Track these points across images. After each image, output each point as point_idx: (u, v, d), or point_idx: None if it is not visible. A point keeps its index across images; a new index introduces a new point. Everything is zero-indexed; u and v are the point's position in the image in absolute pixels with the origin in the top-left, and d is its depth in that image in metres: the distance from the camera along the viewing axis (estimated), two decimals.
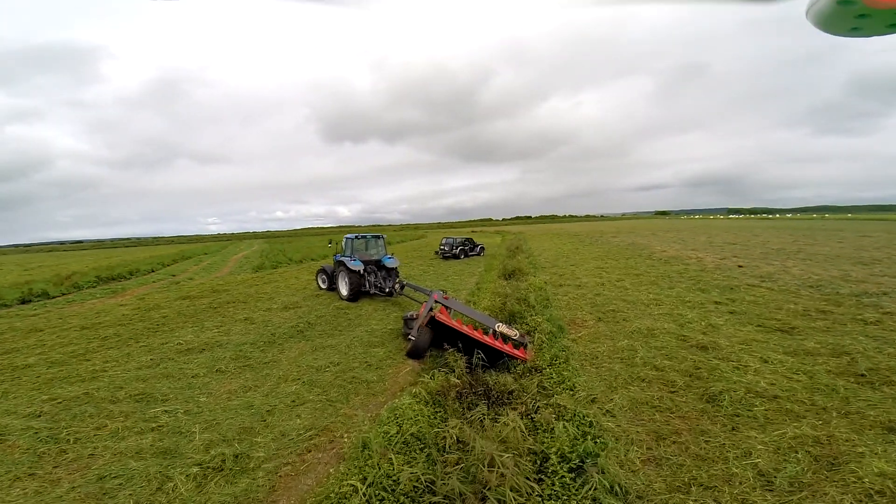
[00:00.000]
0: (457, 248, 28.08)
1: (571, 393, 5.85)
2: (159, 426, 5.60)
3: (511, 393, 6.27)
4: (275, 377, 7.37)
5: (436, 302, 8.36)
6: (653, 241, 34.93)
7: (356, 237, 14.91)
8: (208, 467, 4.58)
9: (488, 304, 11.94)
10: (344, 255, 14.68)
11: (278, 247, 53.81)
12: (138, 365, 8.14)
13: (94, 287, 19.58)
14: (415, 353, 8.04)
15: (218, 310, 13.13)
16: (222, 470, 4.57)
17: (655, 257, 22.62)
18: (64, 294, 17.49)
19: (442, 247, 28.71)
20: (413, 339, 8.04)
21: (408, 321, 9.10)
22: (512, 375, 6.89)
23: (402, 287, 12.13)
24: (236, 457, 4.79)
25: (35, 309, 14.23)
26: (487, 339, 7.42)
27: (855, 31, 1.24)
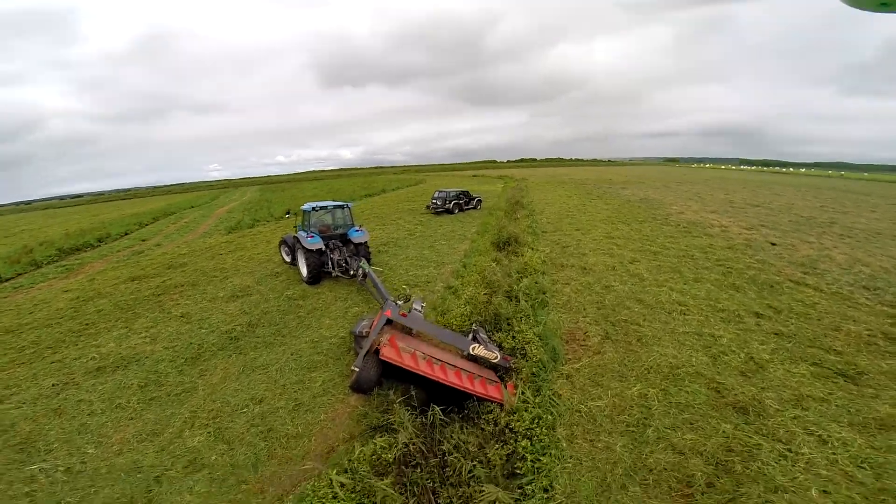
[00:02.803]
0: (450, 202, 25.57)
1: (545, 497, 4.08)
2: (32, 492, 4.72)
3: (472, 475, 4.53)
4: (180, 419, 6.00)
5: (387, 322, 6.36)
6: (667, 195, 31.65)
7: (315, 208, 12.50)
8: None
9: (470, 295, 9.97)
10: (302, 229, 12.50)
11: (269, 196, 51.68)
12: (38, 392, 6.82)
13: (54, 262, 17.92)
14: (359, 388, 6.25)
15: (160, 299, 11.43)
16: None
17: (672, 222, 19.82)
18: (19, 274, 15.86)
19: (434, 201, 26.17)
20: (357, 369, 6.17)
21: (358, 338, 7.20)
22: (477, 435, 5.15)
23: (365, 276, 10.08)
24: None
25: None
26: (453, 380, 5.69)
27: (884, 7, 1.40)
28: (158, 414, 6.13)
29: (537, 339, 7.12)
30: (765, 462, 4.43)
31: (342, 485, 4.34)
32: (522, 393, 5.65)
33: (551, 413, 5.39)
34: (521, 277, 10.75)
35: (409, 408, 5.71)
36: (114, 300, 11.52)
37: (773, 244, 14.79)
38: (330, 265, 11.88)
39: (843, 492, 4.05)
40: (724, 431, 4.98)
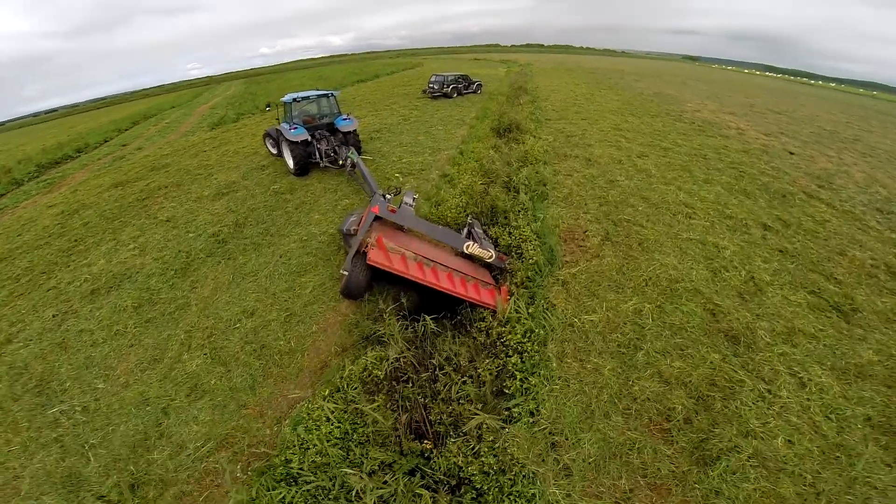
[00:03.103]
0: (448, 87, 22.99)
1: (531, 422, 4.00)
2: (60, 437, 4.83)
3: (461, 394, 4.43)
4: (177, 342, 5.95)
5: (375, 219, 5.80)
6: (683, 92, 27.60)
7: (296, 98, 11.26)
8: (109, 501, 3.99)
9: (466, 184, 9.23)
10: (285, 122, 11.39)
11: (254, 88, 47.64)
12: (41, 327, 6.67)
13: (35, 178, 17.08)
14: (349, 294, 6.00)
15: (145, 203, 10.95)
16: (123, 502, 3.96)
17: (687, 119, 17.52)
18: (3, 194, 15.19)
19: (430, 85, 23.54)
20: (346, 273, 5.85)
21: (346, 236, 6.76)
22: (469, 346, 5.03)
23: (353, 166, 9.31)
24: (133, 487, 4.12)
25: None
26: (445, 284, 5.34)
27: None
28: (156, 337, 6.07)
29: (535, 237, 6.65)
30: (743, 402, 4.22)
31: (332, 410, 4.30)
32: (515, 302, 5.33)
33: (543, 327, 5.14)
34: (522, 167, 9.89)
35: (399, 316, 5.52)
36: (99, 210, 11.07)
37: (791, 153, 13.19)
38: (317, 155, 11.13)
39: (805, 443, 3.90)
40: (711, 362, 4.73)
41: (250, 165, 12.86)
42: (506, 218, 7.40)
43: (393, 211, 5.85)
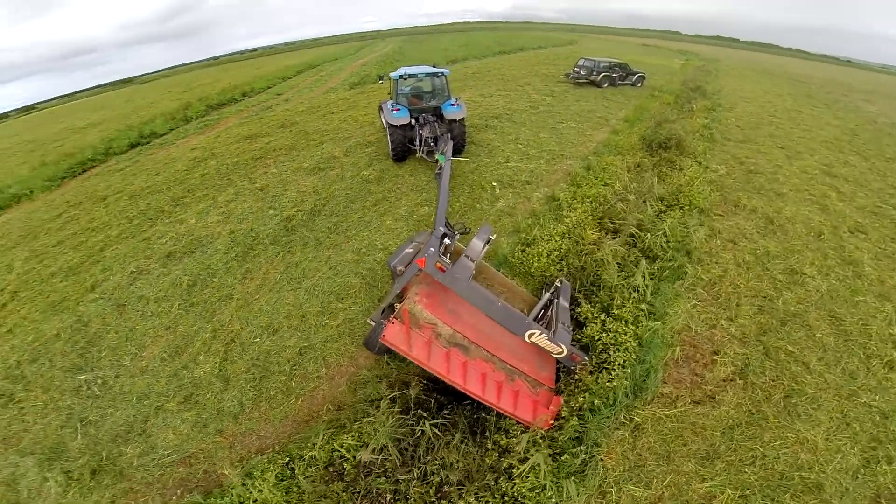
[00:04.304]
0: (598, 73, 19.43)
1: None
2: (71, 405, 5.15)
3: None
4: (202, 339, 5.82)
5: (417, 272, 4.38)
6: None
7: (404, 75, 10.08)
8: (71, 478, 4.31)
9: (574, 222, 7.07)
10: (390, 99, 10.42)
11: (407, 47, 48.96)
12: (119, 280, 7.10)
13: (202, 117, 19.61)
14: (370, 348, 5.09)
15: (256, 164, 11.33)
16: (80, 482, 4.27)
17: None
18: (172, 130, 17.77)
19: (576, 69, 20.28)
20: (373, 324, 4.82)
21: (395, 271, 5.47)
22: (474, 456, 3.91)
23: (440, 170, 7.83)
24: (94, 472, 4.37)
25: (133, 158, 14.38)
26: (471, 388, 4.01)
27: None
28: (188, 327, 6.05)
29: (635, 343, 4.48)
30: None
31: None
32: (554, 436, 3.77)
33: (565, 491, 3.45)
34: (665, 211, 7.18)
35: (401, 409, 4.35)
36: (220, 163, 11.82)
37: None
38: (417, 142, 9.95)
39: None
40: None
41: (359, 138, 12.45)
42: (610, 298, 5.17)
43: (442, 269, 4.31)
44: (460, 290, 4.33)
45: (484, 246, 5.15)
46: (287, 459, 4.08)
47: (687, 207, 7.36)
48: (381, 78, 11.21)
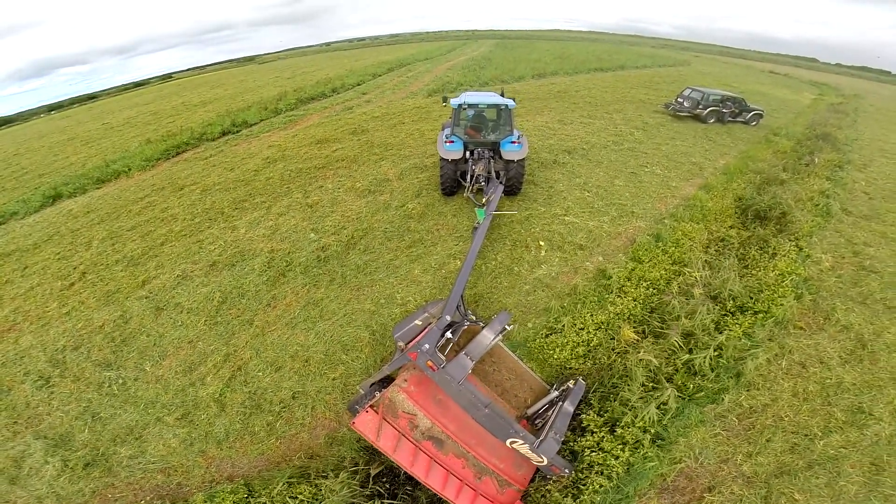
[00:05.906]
0: (705, 108, 17.18)
1: None
2: (91, 399, 5.67)
3: None
4: (214, 361, 6.13)
5: (407, 374, 4.09)
6: None
7: (463, 105, 9.31)
8: (67, 466, 4.91)
9: (620, 310, 6.12)
10: (447, 125, 9.91)
11: (497, 53, 48.20)
12: (165, 281, 7.65)
13: (291, 110, 20.78)
14: (353, 412, 5.02)
15: (316, 174, 11.65)
16: (73, 471, 4.88)
17: None
18: (262, 120, 18.99)
19: (679, 100, 18.15)
20: (362, 392, 5.04)
21: (399, 342, 5.12)
22: None
23: (476, 227, 7.22)
24: (87, 464, 4.96)
25: (219, 147, 15.58)
26: (432, 483, 4.13)
27: None
28: (207, 345, 6.38)
29: (622, 471, 4.25)
30: None
31: None
32: None
33: None
34: (736, 311, 5.91)
35: (356, 487, 4.48)
36: (286, 167, 12.32)
37: None
38: (469, 178, 9.29)
39: None
40: None
41: (416, 159, 12.22)
42: (623, 413, 4.35)
43: (433, 368, 3.97)
44: (448, 391, 4.17)
45: (494, 338, 4.70)
46: (246, 494, 4.40)
47: (762, 315, 5.99)
48: (444, 100, 10.77)
